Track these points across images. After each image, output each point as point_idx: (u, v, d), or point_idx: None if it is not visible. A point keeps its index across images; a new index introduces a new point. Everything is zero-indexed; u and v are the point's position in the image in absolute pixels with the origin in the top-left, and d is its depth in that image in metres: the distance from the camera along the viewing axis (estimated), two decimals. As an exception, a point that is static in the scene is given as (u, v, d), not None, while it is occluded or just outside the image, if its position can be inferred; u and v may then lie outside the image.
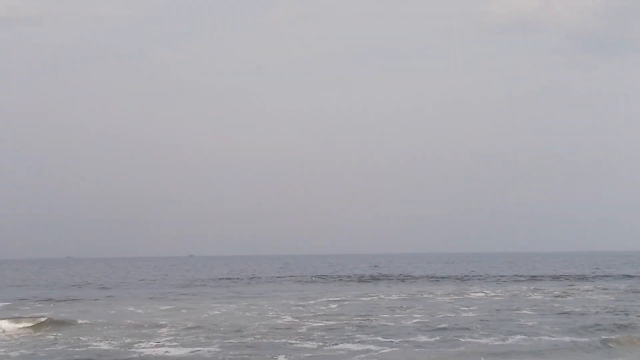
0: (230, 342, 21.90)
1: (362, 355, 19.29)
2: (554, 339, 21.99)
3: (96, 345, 21.64)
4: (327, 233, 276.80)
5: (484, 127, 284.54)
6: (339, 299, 39.67)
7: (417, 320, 27.52)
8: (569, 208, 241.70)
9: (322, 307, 33.92)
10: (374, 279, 65.44)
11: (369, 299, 39.57)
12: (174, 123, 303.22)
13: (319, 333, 23.69)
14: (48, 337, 24.00)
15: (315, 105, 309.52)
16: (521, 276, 66.33)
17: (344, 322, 26.89)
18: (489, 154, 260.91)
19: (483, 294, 42.13)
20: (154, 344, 21.58)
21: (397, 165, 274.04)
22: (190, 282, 63.12)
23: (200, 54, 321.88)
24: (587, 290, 44.44)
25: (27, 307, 36.35)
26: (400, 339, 22.07)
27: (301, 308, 33.32)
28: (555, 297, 39.51)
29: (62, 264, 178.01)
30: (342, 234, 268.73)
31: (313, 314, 30.34)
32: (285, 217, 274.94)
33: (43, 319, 27.12)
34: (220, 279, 68.80)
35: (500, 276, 66.39)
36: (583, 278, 61.50)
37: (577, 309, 31.29)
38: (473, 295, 41.87)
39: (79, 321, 27.67)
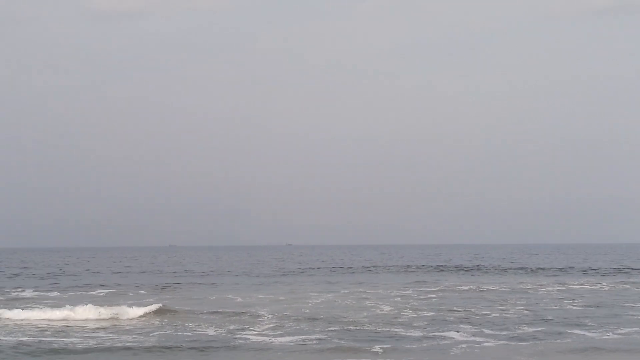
0: (333, 329, 22.01)
1: (464, 346, 19.07)
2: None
3: (202, 331, 22.11)
4: (423, 222, 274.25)
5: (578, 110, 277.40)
6: (438, 288, 39.49)
7: (521, 311, 27.04)
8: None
9: (421, 297, 33.80)
10: (474, 269, 64.56)
11: (469, 289, 39.15)
12: (271, 109, 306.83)
13: (421, 322, 23.59)
14: (154, 322, 24.67)
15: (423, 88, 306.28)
16: (627, 268, 64.23)
17: (446, 312, 26.72)
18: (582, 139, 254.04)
19: (588, 287, 40.99)
20: (257, 331, 21.90)
21: (500, 152, 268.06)
22: (287, 271, 63.49)
23: (293, 44, 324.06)
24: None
25: (132, 293, 37.27)
26: (505, 331, 21.74)
27: (400, 298, 33.20)
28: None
29: (165, 251, 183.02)
30: (437, 223, 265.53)
31: (413, 303, 30.21)
32: (383, 206, 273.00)
33: (151, 306, 27.80)
34: (318, 268, 69.07)
35: (601, 268, 64.34)
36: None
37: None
38: (576, 286, 40.83)
39: (184, 308, 28.27)
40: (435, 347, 19.13)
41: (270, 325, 23.14)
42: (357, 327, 22.46)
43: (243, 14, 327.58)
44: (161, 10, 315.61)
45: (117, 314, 26.49)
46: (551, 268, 65.22)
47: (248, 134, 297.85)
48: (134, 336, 21.39)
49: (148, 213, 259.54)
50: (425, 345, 19.37)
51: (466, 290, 38.47)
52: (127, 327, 23.58)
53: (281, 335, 21.04)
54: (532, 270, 61.17)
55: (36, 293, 37.84)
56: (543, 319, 24.49)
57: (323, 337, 20.66)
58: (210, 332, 22.04)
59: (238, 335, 21.12)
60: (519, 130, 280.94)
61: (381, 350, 18.40)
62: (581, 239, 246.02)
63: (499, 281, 46.43)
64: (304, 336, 20.81)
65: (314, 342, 19.83)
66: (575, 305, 29.48)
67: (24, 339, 20.77)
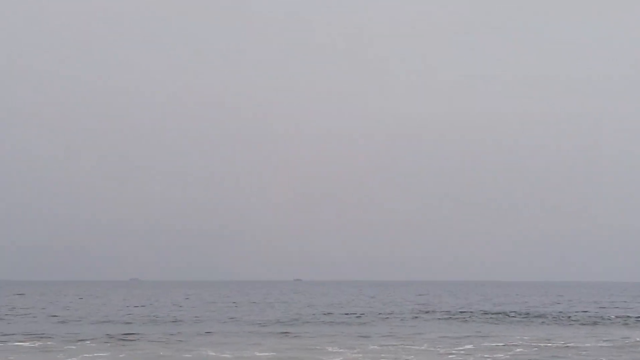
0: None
1: None
2: None
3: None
4: (471, 254, 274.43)
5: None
6: (504, 344, 38.28)
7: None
8: None
9: (485, 357, 32.71)
10: (553, 316, 63.02)
11: (550, 345, 37.80)
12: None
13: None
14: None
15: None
16: None
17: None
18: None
19: None
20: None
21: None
22: (295, 316, 62.43)
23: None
24: None
25: (70, 348, 36.35)
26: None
27: (454, 356, 32.34)
28: None
29: (125, 286, 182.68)
30: (490, 255, 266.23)
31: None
32: (413, 235, 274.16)
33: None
34: (336, 312, 67.45)
35: None
36: None
37: None
38: None
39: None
40: None
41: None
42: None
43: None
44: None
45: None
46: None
47: (241, 126, 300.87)
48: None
49: (102, 236, 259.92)
50: None
51: (548, 348, 36.99)
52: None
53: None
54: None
55: None
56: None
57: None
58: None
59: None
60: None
61: None
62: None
63: (592, 333, 45.50)
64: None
65: None
66: None
67: None
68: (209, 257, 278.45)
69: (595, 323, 55.49)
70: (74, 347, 37.06)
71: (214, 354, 33.46)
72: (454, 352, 34.57)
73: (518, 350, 35.45)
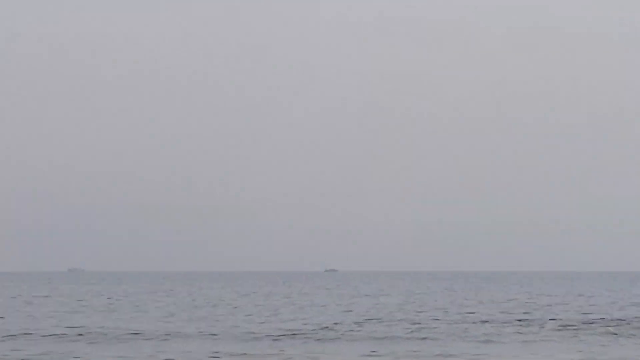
0: None
1: None
2: None
3: None
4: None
5: None
6: None
7: None
8: None
9: None
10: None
11: None
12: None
13: None
14: None
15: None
16: None
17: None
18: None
19: None
20: None
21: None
22: (329, 321, 59.69)
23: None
24: None
25: None
26: None
27: None
28: None
29: (62, 278, 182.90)
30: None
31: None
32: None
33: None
34: (386, 319, 63.94)
35: None
36: None
37: None
38: None
39: None
40: None
41: None
42: None
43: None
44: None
45: None
46: None
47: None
48: None
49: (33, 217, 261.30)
50: None
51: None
52: None
53: None
54: None
55: None
56: None
57: None
58: None
59: None
60: None
61: None
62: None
63: None
64: None
65: None
66: None
67: None
68: (175, 243, 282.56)
69: None
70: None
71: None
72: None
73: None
